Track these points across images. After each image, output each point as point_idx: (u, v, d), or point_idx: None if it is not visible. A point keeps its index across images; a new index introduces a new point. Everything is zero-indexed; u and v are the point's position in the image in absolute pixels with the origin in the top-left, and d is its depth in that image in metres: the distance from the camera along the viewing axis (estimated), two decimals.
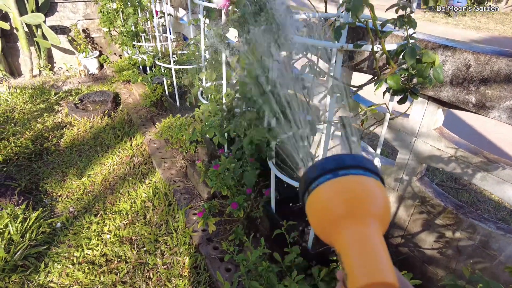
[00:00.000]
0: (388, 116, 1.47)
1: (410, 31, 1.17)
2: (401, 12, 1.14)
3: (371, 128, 1.86)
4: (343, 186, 0.40)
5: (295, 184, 1.50)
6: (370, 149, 1.81)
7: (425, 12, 13.95)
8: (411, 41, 1.12)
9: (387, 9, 1.16)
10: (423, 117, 1.57)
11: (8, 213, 2.54)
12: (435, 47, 1.40)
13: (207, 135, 1.78)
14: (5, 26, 4.80)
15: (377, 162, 1.59)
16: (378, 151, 1.58)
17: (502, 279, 1.41)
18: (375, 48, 1.11)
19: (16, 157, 3.41)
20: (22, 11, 4.86)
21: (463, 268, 1.18)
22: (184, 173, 2.86)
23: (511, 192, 1.31)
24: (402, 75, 1.22)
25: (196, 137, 2.07)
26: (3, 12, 4.85)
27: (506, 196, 1.33)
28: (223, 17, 1.90)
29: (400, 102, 1.26)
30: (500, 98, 1.24)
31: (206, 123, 1.77)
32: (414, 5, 1.12)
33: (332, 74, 1.16)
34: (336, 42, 1.06)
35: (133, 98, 4.47)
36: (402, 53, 1.12)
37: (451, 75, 1.37)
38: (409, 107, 1.62)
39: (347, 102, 1.21)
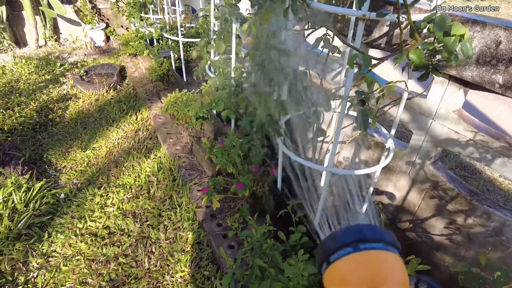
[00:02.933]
0: (406, 95, 1.39)
1: (439, 1, 1.08)
2: None
3: (386, 108, 1.78)
4: (365, 262, 0.41)
5: (304, 162, 1.45)
6: (384, 130, 1.74)
7: None
8: (439, 11, 1.03)
9: None
10: (442, 98, 1.49)
11: (12, 182, 2.53)
12: (463, 21, 1.30)
13: (214, 110, 1.71)
14: None
15: (390, 143, 1.52)
16: (393, 132, 1.51)
17: None
18: (401, 18, 1.02)
19: (21, 127, 3.38)
20: None
21: (480, 256, 1.13)
22: (189, 150, 2.82)
23: None
24: (426, 50, 1.14)
25: (202, 112, 2.01)
26: None
27: None
28: None
29: (421, 78, 1.18)
30: None
31: (215, 96, 1.71)
32: None
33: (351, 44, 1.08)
34: (358, 9, 0.97)
35: (140, 72, 4.39)
36: (428, 25, 1.03)
37: (478, 53, 1.28)
38: (428, 87, 1.54)
39: (366, 75, 1.13)
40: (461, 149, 1.47)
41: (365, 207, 1.77)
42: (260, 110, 1.40)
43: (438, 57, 1.14)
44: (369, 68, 1.13)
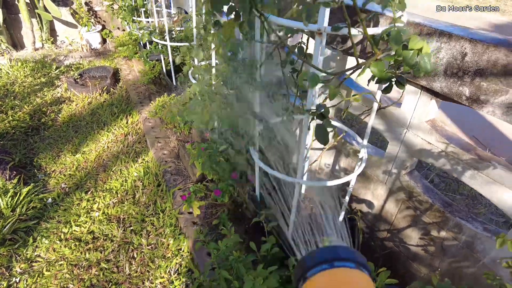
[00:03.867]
0: (375, 105, 1.38)
1: (399, 14, 1.06)
2: None
3: (362, 117, 1.77)
4: (338, 278, 0.45)
5: (273, 173, 1.44)
6: (358, 139, 1.73)
7: None
8: (398, 24, 1.02)
9: None
10: (415, 108, 1.47)
11: None
12: (431, 32, 1.28)
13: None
14: None
15: (363, 153, 1.51)
16: (365, 141, 1.50)
17: (485, 282, 1.35)
18: (355, 32, 1.01)
19: (13, 131, 3.41)
20: None
21: (432, 275, 1.12)
22: (176, 154, 2.82)
23: (499, 194, 1.23)
24: (390, 62, 1.12)
25: (173, 121, 2.01)
26: None
27: (494, 198, 1.25)
28: None
29: (385, 91, 1.16)
30: (495, 91, 1.13)
31: (189, 106, 1.71)
32: None
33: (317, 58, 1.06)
34: (306, 25, 0.96)
35: (133, 74, 4.41)
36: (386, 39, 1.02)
37: (445, 64, 1.26)
38: (400, 97, 1.52)
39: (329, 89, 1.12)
40: (434, 160, 1.45)
41: (342, 215, 1.76)
42: (230, 120, 1.40)
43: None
44: (317, 84, 1.12)
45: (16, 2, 4.92)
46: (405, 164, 1.59)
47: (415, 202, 1.58)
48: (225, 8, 1.16)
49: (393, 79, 1.14)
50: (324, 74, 1.05)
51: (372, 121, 1.44)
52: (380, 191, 1.76)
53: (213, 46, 1.86)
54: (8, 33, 5.21)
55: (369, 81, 1.22)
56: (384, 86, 1.16)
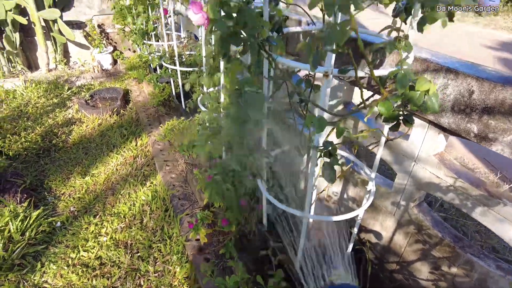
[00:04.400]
0: (383, 140, 1.38)
1: (405, 55, 1.08)
2: (394, 34, 1.05)
3: (371, 147, 1.76)
4: None
5: (281, 206, 1.43)
6: (367, 170, 1.72)
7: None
8: (404, 67, 1.03)
9: (380, 31, 1.07)
10: (423, 142, 1.47)
11: (10, 211, 2.58)
12: (437, 68, 1.29)
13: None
14: (23, 20, 4.89)
15: (371, 186, 1.50)
16: (373, 174, 1.49)
17: None
18: (362, 74, 1.02)
19: (25, 152, 3.48)
20: (40, 6, 4.94)
21: None
22: (184, 178, 2.84)
23: (511, 233, 1.20)
24: (398, 102, 1.13)
25: (183, 151, 2.04)
26: (22, 6, 4.95)
27: (506, 237, 1.23)
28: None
29: (393, 129, 1.17)
30: (503, 130, 1.13)
31: (198, 136, 1.73)
32: (410, 30, 1.02)
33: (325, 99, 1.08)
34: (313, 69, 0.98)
35: (143, 95, 4.49)
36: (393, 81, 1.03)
37: (452, 100, 1.26)
38: (408, 129, 1.52)
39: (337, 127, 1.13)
40: (443, 194, 1.44)
41: (350, 247, 1.74)
42: (238, 151, 1.41)
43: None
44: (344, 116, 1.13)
45: (33, 26, 5.10)
46: (413, 196, 1.58)
47: (424, 236, 1.56)
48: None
49: (400, 118, 1.15)
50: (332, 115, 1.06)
51: (380, 154, 1.43)
52: (388, 222, 1.74)
53: (222, 78, 1.89)
54: (24, 55, 5.38)
55: (376, 118, 1.22)
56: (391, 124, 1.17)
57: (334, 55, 1.05)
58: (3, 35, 4.90)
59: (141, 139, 3.60)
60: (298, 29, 1.46)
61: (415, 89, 1.03)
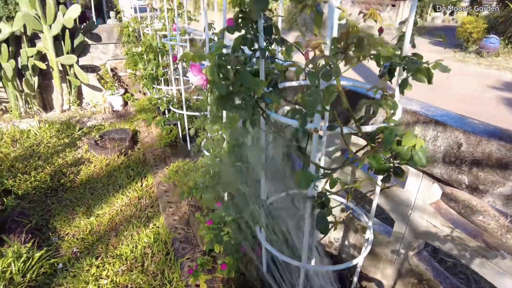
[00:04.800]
0: (378, 189, 1.41)
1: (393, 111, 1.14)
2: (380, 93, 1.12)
3: (369, 194, 1.78)
4: None
5: (278, 255, 1.44)
6: (365, 218, 1.73)
7: (455, 52, 13.79)
8: (391, 124, 1.09)
9: (369, 90, 1.14)
10: (418, 190, 1.49)
11: (13, 251, 2.60)
12: (427, 121, 1.35)
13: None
14: (42, 66, 5.19)
15: (369, 234, 1.51)
16: (370, 223, 1.50)
17: None
18: (349, 130, 1.08)
19: (34, 191, 3.55)
20: (59, 52, 5.27)
21: None
22: (186, 220, 2.85)
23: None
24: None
25: (183, 198, 2.09)
26: (42, 53, 5.28)
27: None
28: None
29: (384, 180, 1.20)
30: (493, 182, 1.16)
31: (197, 182, 1.78)
32: (397, 89, 1.10)
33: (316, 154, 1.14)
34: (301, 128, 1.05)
35: (151, 136, 4.62)
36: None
37: (443, 152, 1.31)
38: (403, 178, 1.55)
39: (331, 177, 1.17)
40: (441, 244, 1.43)
41: None
42: (236, 199, 1.45)
43: None
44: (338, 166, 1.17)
45: (51, 70, 5.40)
46: (412, 245, 1.57)
47: (426, 286, 1.53)
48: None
49: (391, 170, 1.19)
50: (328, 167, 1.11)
51: (376, 202, 1.46)
52: (389, 271, 1.72)
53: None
54: (40, 97, 5.65)
55: (368, 169, 1.27)
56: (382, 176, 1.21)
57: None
58: (23, 79, 5.19)
59: (146, 179, 3.67)
60: (294, 83, 1.55)
61: (402, 144, 1.08)
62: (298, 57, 1.42)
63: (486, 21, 13.64)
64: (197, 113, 3.15)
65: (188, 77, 3.78)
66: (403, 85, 1.00)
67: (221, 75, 1.12)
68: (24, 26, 4.96)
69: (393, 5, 22.00)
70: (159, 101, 4.13)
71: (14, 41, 5.09)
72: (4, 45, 4.86)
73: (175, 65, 3.73)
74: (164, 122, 3.68)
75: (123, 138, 4.55)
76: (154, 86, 4.17)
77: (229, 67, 1.11)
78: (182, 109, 3.33)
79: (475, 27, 13.37)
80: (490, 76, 9.73)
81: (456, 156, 1.26)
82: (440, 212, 1.43)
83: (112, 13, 7.17)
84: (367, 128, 1.12)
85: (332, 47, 1.01)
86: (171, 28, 3.51)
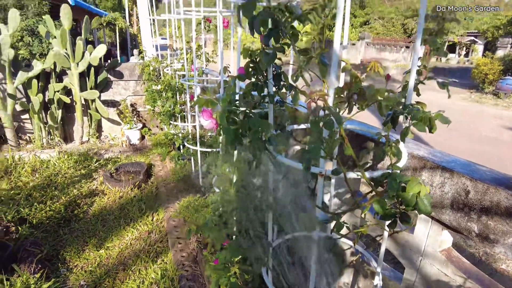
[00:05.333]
0: (386, 234, 1.40)
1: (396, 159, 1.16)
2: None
3: (378, 238, 1.76)
4: None
5: None
6: (374, 263, 1.69)
7: (471, 92, 13.80)
8: (395, 170, 1.11)
9: (376, 135, 1.17)
10: (428, 236, 1.46)
11: (22, 281, 2.62)
12: (434, 167, 1.36)
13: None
14: (67, 100, 5.48)
15: (377, 281, 1.47)
16: (379, 269, 1.47)
17: None
18: (354, 175, 1.10)
19: (48, 221, 3.62)
20: (83, 87, 5.57)
21: None
22: (194, 257, 2.83)
23: None
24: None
25: (190, 236, 2.10)
26: (68, 88, 5.59)
27: None
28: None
29: (390, 226, 1.20)
30: (503, 232, 1.14)
31: (207, 219, 1.80)
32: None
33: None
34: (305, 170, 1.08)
35: (165, 171, 4.70)
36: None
37: (451, 198, 1.30)
38: (412, 223, 1.53)
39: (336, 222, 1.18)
40: None
41: None
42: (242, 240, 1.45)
43: None
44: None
45: (74, 104, 5.67)
46: None
47: None
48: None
49: (397, 216, 1.19)
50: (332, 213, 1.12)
51: (384, 247, 1.43)
52: None
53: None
54: (62, 128, 5.89)
55: (374, 215, 1.27)
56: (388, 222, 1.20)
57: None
58: (48, 112, 5.46)
59: (157, 214, 3.69)
60: (302, 126, 1.60)
61: (406, 191, 1.09)
62: None
63: (501, 63, 13.73)
64: (210, 149, 3.22)
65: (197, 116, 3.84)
66: (405, 133, 1.03)
67: (230, 120, 1.19)
68: (54, 63, 5.30)
69: (407, 46, 22.48)
70: (174, 136, 4.25)
71: (44, 77, 5.43)
72: (34, 81, 5.18)
73: (192, 103, 3.88)
74: (179, 157, 3.77)
75: (137, 172, 4.64)
76: (171, 122, 4.31)
77: (238, 112, 1.18)
78: (196, 145, 3.42)
79: (491, 68, 13.46)
80: (508, 118, 9.61)
81: (464, 203, 1.25)
82: (451, 260, 1.40)
83: (135, 51, 7.60)
84: (373, 173, 1.14)
85: (336, 96, 1.06)
86: (189, 68, 3.70)
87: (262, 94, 1.37)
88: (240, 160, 1.24)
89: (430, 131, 1.04)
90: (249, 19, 1.23)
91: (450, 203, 1.30)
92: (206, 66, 3.95)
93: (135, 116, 6.05)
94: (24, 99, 5.53)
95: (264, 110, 1.50)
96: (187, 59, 3.68)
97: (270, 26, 1.21)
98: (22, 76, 5.11)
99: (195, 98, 4.02)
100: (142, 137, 6.01)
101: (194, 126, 4.04)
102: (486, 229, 1.19)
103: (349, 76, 1.01)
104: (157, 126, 6.13)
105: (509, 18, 15.22)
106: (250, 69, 1.34)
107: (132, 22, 13.92)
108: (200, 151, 3.33)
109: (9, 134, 5.36)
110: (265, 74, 1.37)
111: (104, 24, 7.91)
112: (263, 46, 1.30)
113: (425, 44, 1.20)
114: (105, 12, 13.74)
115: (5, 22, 5.02)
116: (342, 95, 1.04)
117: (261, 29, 1.23)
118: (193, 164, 3.86)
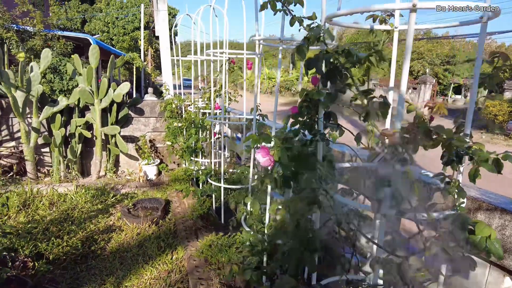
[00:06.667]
0: (442, 279, 1.33)
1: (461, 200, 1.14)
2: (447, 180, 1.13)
3: (426, 284, 1.67)
4: None
5: None
6: None
7: (482, 133, 13.79)
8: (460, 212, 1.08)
9: (434, 176, 1.16)
10: (487, 283, 1.39)
11: None
12: (491, 208, 1.32)
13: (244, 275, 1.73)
14: (88, 135, 5.59)
15: None
16: None
17: None
18: (422, 216, 1.08)
19: (64, 257, 3.53)
20: (104, 122, 5.69)
21: None
22: None
23: None
24: None
25: (230, 277, 2.03)
26: (89, 123, 5.72)
27: None
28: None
29: (454, 271, 1.14)
30: None
31: (244, 262, 1.75)
32: (460, 176, 1.11)
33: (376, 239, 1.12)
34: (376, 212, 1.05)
35: (183, 207, 4.65)
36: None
37: None
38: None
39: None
40: None
41: None
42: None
43: None
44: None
45: (94, 139, 5.77)
46: None
47: None
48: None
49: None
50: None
51: None
52: None
53: (269, 199, 1.99)
54: (80, 162, 5.95)
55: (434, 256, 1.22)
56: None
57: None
58: (69, 146, 5.55)
59: (177, 252, 3.60)
60: (347, 165, 1.60)
61: (476, 234, 1.05)
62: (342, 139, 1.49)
63: (510, 104, 13.86)
64: (235, 186, 3.20)
65: (224, 151, 3.89)
66: (475, 174, 1.02)
67: (287, 157, 1.19)
68: (78, 99, 5.48)
69: (414, 88, 22.89)
70: (194, 172, 4.25)
71: (67, 112, 5.59)
72: (58, 115, 5.33)
73: (214, 140, 3.93)
74: (201, 193, 3.74)
75: (155, 208, 4.60)
76: (191, 158, 4.34)
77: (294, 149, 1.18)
78: (219, 182, 3.40)
79: (500, 110, 13.56)
80: None
81: None
82: None
83: (150, 89, 7.84)
84: (439, 215, 1.11)
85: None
86: (213, 106, 3.79)
87: (313, 132, 1.38)
88: (297, 199, 1.22)
89: (499, 172, 1.03)
90: (305, 62, 1.27)
91: None
92: (229, 104, 4.04)
93: (153, 152, 6.12)
94: (46, 133, 5.66)
95: (309, 148, 1.51)
96: (210, 98, 3.78)
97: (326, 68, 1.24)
98: (47, 110, 5.27)
99: (217, 135, 4.07)
100: (159, 173, 6.03)
101: (215, 163, 4.05)
102: None
103: (415, 116, 1.02)
104: (174, 162, 6.16)
105: None
106: (302, 108, 1.37)
107: (146, 62, 14.55)
108: (224, 188, 3.31)
109: (29, 167, 5.42)
110: (316, 113, 1.39)
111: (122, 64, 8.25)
112: (318, 87, 1.33)
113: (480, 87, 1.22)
114: (123, 53, 14.43)
115: (36, 60, 5.28)
116: (407, 136, 1.04)
117: (313, 70, 1.27)
118: (214, 201, 3.82)
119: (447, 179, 1.13)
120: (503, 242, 1.27)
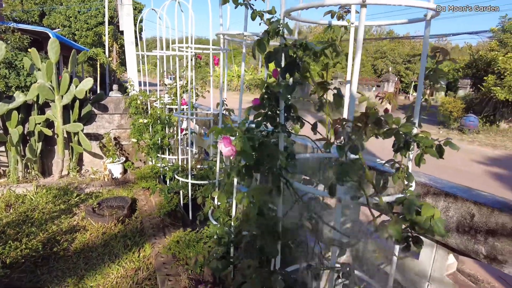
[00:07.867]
0: (395, 259, 1.43)
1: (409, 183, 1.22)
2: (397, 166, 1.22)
3: (382, 266, 1.78)
4: None
5: None
6: None
7: (439, 128, 14.62)
8: (408, 195, 1.17)
9: (385, 163, 1.24)
10: (434, 261, 1.51)
11: None
12: (437, 193, 1.44)
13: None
14: (48, 132, 5.34)
15: None
16: None
17: None
18: (375, 200, 1.15)
19: (23, 260, 3.37)
20: (66, 120, 5.46)
21: None
22: None
23: None
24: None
25: (198, 269, 2.04)
26: (50, 120, 5.46)
27: None
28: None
29: (403, 250, 1.23)
30: (511, 253, 1.20)
31: (210, 252, 1.77)
32: (409, 162, 1.20)
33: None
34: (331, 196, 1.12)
35: (150, 205, 4.57)
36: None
37: (456, 222, 1.36)
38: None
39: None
40: None
41: None
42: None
43: None
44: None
45: (55, 137, 5.53)
46: None
47: None
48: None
49: (410, 239, 1.23)
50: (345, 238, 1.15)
51: (392, 274, 1.46)
52: None
53: (235, 192, 2.03)
54: (41, 162, 5.67)
55: (387, 239, 1.30)
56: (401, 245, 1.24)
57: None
58: (27, 144, 5.28)
59: (144, 250, 3.54)
60: (308, 155, 1.66)
61: (421, 214, 1.14)
62: (304, 131, 1.56)
63: (463, 102, 14.84)
64: (202, 182, 3.20)
65: (189, 148, 3.89)
66: (419, 159, 1.11)
67: (249, 146, 1.22)
68: (37, 95, 5.21)
69: (378, 85, 23.77)
70: (161, 169, 4.19)
71: (24, 109, 5.30)
72: (14, 112, 5.05)
73: (181, 136, 3.90)
74: (168, 190, 3.70)
75: (121, 206, 4.49)
76: (158, 155, 4.27)
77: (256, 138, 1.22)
78: (186, 178, 3.38)
79: (454, 106, 14.46)
80: (474, 152, 10.21)
81: (470, 226, 1.31)
82: (458, 283, 1.44)
83: (115, 86, 7.60)
84: (387, 199, 1.20)
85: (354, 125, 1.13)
86: (180, 102, 3.75)
87: (274, 124, 1.43)
88: (259, 188, 1.26)
89: (440, 157, 1.12)
90: (265, 55, 1.31)
91: (455, 226, 1.36)
92: (196, 100, 4.02)
93: (118, 150, 5.95)
94: (1, 131, 5.34)
95: (271, 139, 1.56)
96: (176, 93, 3.74)
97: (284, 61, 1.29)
98: (2, 107, 4.97)
99: (184, 131, 4.04)
100: (125, 171, 5.88)
101: (183, 159, 4.03)
102: (494, 250, 1.25)
103: (366, 106, 1.09)
104: (141, 160, 6.03)
105: (466, 62, 16.73)
106: (264, 100, 1.41)
107: (111, 58, 14.07)
108: (192, 183, 3.31)
109: None
110: (277, 106, 1.44)
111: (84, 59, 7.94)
112: (277, 79, 1.38)
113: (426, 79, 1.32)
114: (86, 48, 13.85)
115: None
116: (359, 124, 1.11)
117: (272, 63, 1.31)
118: (182, 198, 3.79)
119: (396, 165, 1.21)
120: (447, 223, 1.38)
